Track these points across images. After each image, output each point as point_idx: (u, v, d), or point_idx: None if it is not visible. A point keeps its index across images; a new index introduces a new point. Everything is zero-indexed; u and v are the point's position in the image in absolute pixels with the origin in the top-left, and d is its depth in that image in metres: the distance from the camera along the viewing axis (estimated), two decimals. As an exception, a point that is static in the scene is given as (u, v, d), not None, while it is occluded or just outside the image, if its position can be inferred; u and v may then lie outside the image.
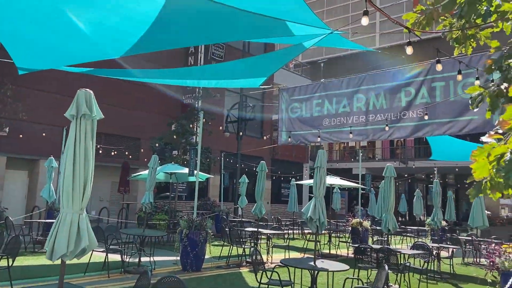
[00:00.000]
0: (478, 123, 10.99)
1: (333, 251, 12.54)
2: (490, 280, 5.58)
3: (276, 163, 25.18)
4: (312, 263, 5.86)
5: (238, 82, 11.34)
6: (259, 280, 5.78)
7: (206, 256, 9.41)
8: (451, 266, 10.41)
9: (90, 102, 3.75)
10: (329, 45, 9.98)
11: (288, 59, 10.10)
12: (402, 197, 23.43)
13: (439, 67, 4.69)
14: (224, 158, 19.64)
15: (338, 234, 14.95)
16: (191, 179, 13.98)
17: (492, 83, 2.72)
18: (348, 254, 12.63)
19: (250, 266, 9.80)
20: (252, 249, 10.21)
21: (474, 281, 9.67)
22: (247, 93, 20.97)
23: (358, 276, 8.07)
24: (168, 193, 17.56)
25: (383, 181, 15.29)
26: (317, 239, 6.24)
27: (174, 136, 17.05)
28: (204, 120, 11.34)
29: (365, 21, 3.43)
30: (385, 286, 7.10)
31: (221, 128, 18.80)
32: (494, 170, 2.71)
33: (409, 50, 3.91)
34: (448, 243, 13.30)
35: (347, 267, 5.77)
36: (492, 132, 2.04)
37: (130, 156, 18.17)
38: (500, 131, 1.81)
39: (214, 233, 9.54)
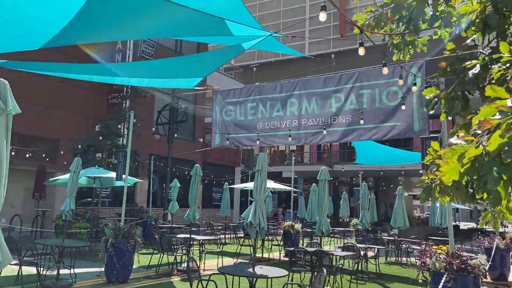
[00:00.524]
0: (400, 129, 11.60)
1: (266, 255, 12.49)
2: (421, 281, 5.78)
3: (208, 167, 24.76)
4: (250, 269, 5.66)
5: (172, 81, 10.84)
6: (194, 290, 5.46)
7: (134, 266, 8.81)
8: (377, 265, 10.83)
9: (5, 94, 3.19)
10: (266, 48, 9.91)
11: (226, 59, 9.86)
12: (329, 199, 24.26)
13: (385, 70, 4.74)
14: (154, 162, 18.83)
15: (270, 238, 14.98)
16: (118, 183, 13.14)
17: (445, 88, 2.73)
18: (280, 257, 12.67)
19: (182, 275, 9.37)
20: (184, 256, 9.83)
21: (398, 280, 10.14)
22: (179, 94, 20.38)
23: (292, 280, 8.06)
24: (90, 199, 16.37)
25: (313, 184, 15.67)
26: (256, 246, 6.05)
27: (100, 138, 15.97)
28: (134, 120, 10.69)
29: (322, 16, 3.32)
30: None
31: (154, 129, 18.00)
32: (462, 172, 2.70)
33: (361, 51, 3.88)
34: (370, 243, 13.93)
35: (285, 272, 5.66)
36: (461, 134, 1.98)
37: (47, 159, 16.67)
38: (479, 131, 1.74)
39: (142, 241, 8.95)
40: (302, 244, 13.75)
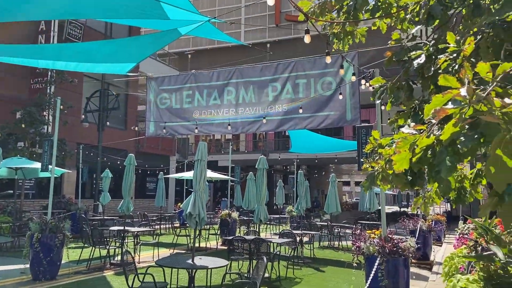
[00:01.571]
0: (334, 119, 11.97)
1: (202, 244, 12.37)
2: (355, 264, 6.03)
3: (142, 156, 23.90)
4: (189, 261, 5.52)
5: (102, 66, 10.20)
6: (130, 285, 5.21)
7: (63, 261, 8.27)
8: (312, 250, 11.19)
9: None
10: (202, 35, 9.64)
11: (162, 44, 9.46)
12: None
13: (328, 59, 4.79)
14: (83, 151, 17.76)
15: (207, 227, 14.86)
16: (43, 174, 12.21)
17: (389, 77, 2.78)
18: (217, 246, 12.62)
19: (116, 269, 8.97)
20: (117, 249, 9.39)
21: (332, 263, 10.55)
22: (109, 81, 19.31)
23: (230, 268, 8.05)
24: (12, 191, 15.07)
25: (250, 172, 15.73)
26: (195, 236, 5.91)
27: (23, 125, 14.68)
28: (61, 107, 9.93)
29: (271, 1, 3.22)
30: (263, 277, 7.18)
31: (82, 117, 16.89)
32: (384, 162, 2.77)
33: (306, 38, 3.85)
34: (305, 229, 14.37)
35: (225, 262, 5.59)
36: (412, 124, 2.00)
37: (-41, 148, 15.04)
38: (434, 121, 1.76)
39: (71, 235, 8.41)
40: (239, 233, 13.80)
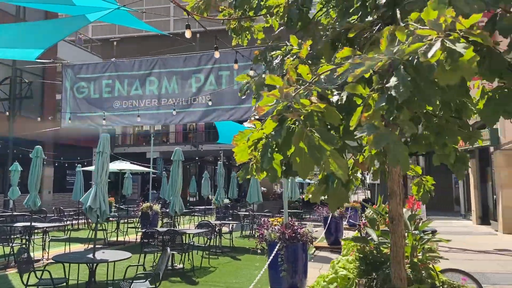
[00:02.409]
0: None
1: (121, 238, 12.10)
2: (259, 250, 6.30)
3: (61, 148, 22.66)
4: (90, 255, 5.42)
5: (7, 51, 9.51)
6: (25, 282, 5.01)
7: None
8: (231, 240, 11.42)
9: None
10: (118, 22, 9.34)
11: (70, 31, 9.04)
12: (193, 179, 24.52)
13: (216, 54, 4.91)
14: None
15: (128, 220, 14.54)
16: None
17: (257, 74, 2.95)
18: (137, 239, 12.40)
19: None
20: (24, 247, 8.89)
21: (249, 252, 10.87)
22: (22, 67, 18.00)
23: (144, 261, 7.99)
24: None
25: (174, 164, 15.59)
26: (97, 230, 5.81)
27: None
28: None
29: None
30: (170, 267, 7.24)
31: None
32: (259, 154, 2.96)
33: (187, 33, 3.93)
34: (230, 218, 14.62)
35: (128, 254, 5.56)
36: (252, 118, 2.17)
37: None
38: (257, 117, 1.93)
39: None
40: (162, 225, 13.69)
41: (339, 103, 1.91)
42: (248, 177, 3.28)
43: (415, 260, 3.98)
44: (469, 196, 18.81)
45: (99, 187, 5.48)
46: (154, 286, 4.91)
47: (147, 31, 33.51)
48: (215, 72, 13.46)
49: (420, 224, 4.38)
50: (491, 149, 15.14)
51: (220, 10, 4.63)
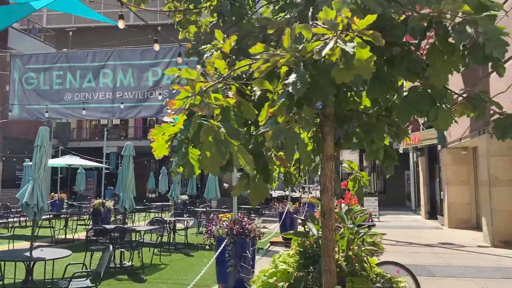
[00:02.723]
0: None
1: (70, 236, 11.72)
2: (208, 246, 6.29)
3: (10, 142, 21.60)
4: (27, 253, 5.20)
5: None
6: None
7: None
8: (186, 236, 11.33)
9: None
10: (67, 11, 8.99)
11: (13, 19, 8.60)
12: (151, 174, 24.12)
13: (156, 47, 4.82)
14: None
15: (80, 217, 14.11)
16: None
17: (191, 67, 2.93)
18: (87, 237, 12.05)
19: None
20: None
21: (202, 248, 10.82)
22: (-35, 55, 16.98)
23: (91, 260, 7.78)
24: None
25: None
26: (34, 227, 5.58)
27: None
28: None
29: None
30: (119, 265, 7.08)
31: None
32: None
33: (120, 24, 3.83)
34: (188, 215, 14.49)
35: (68, 252, 5.38)
36: (170, 112, 2.14)
37: None
38: (170, 111, 1.91)
39: None
40: (115, 222, 13.36)
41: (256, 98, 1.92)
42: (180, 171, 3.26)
43: (350, 253, 4.10)
44: (419, 192, 19.63)
45: (36, 183, 5.25)
46: (94, 285, 4.78)
47: (105, 22, 32.51)
48: (173, 66, 13.25)
49: (357, 218, 4.51)
50: (439, 147, 15.86)
51: (166, 2, 4.56)
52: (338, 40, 1.41)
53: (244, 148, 1.65)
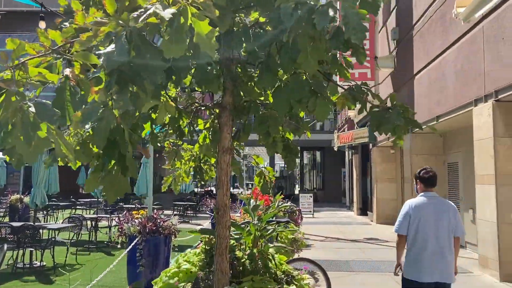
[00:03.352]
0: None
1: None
2: (119, 246, 5.93)
3: None
4: None
5: None
6: None
7: None
8: (109, 235, 10.76)
9: None
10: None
11: None
12: (82, 169, 22.86)
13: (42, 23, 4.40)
14: None
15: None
16: None
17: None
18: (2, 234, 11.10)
19: None
20: None
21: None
22: None
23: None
24: None
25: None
26: None
27: None
28: None
29: None
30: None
31: None
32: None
33: (42, 24, 3.41)
34: (115, 212, 13.81)
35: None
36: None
37: None
38: None
39: None
40: (35, 220, 12.43)
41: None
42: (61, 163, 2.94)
43: (255, 251, 3.97)
44: (353, 189, 20.27)
45: None
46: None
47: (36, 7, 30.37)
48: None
49: (264, 215, 4.39)
50: (370, 145, 16.43)
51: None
52: (157, 5, 1.21)
53: (62, 133, 1.40)
